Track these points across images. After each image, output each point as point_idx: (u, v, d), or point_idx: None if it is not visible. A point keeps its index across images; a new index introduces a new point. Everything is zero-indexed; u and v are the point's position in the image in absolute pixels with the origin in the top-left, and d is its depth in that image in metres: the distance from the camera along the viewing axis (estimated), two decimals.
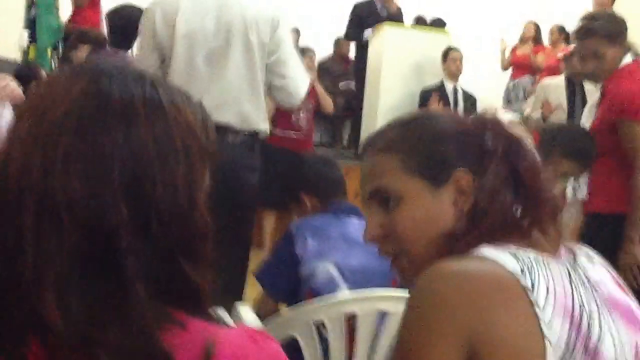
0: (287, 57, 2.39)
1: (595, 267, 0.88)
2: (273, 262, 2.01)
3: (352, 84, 6.67)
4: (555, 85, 5.20)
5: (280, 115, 5.18)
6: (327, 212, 2.03)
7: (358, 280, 1.85)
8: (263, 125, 2.42)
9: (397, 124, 0.96)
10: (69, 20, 5.31)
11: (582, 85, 5.34)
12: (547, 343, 0.75)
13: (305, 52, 5.31)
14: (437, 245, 0.88)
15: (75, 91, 0.63)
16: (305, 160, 2.26)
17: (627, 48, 2.44)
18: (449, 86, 5.37)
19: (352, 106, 6.57)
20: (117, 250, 0.60)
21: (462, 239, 0.85)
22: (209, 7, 2.33)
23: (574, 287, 0.81)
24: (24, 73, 3.61)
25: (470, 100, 5.45)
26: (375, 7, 6.13)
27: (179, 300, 0.64)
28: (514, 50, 6.88)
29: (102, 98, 0.63)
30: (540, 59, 6.42)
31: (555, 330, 0.76)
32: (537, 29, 6.78)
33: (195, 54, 2.32)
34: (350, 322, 1.67)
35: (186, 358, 0.61)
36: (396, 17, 6.09)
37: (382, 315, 1.70)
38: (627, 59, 2.45)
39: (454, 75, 5.34)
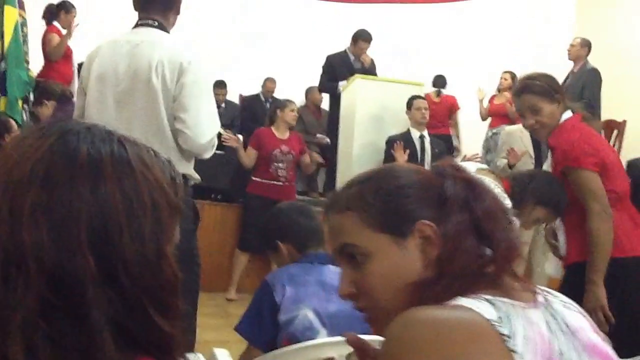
0: (188, 101, 2.37)
1: (572, 313, 0.87)
2: (252, 312, 2.01)
3: (326, 138, 6.74)
4: (520, 132, 5.18)
5: (260, 165, 5.23)
6: (303, 260, 2.05)
7: (337, 325, 1.85)
8: (181, 169, 2.38)
9: (354, 182, 0.97)
10: (41, 74, 5.28)
11: None
12: None
13: (286, 105, 5.34)
14: (408, 294, 0.86)
15: (43, 148, 0.65)
16: (281, 209, 2.26)
17: (566, 106, 2.55)
18: (415, 134, 5.36)
19: (327, 156, 6.59)
20: (83, 300, 0.61)
21: (433, 288, 0.84)
22: (123, 52, 2.39)
23: (552, 333, 0.81)
24: None
25: (438, 147, 5.44)
26: (348, 59, 6.19)
27: (150, 349, 0.65)
28: (491, 99, 6.96)
29: (69, 155, 0.65)
30: (514, 109, 6.44)
31: None
32: (514, 78, 6.85)
33: (106, 96, 2.38)
34: None
35: None
36: (369, 70, 6.14)
37: None
38: (567, 114, 2.52)
39: (420, 123, 5.34)
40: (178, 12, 2.53)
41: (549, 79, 2.58)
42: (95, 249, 0.62)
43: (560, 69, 6.93)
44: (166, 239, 0.68)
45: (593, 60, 7.32)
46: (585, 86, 5.96)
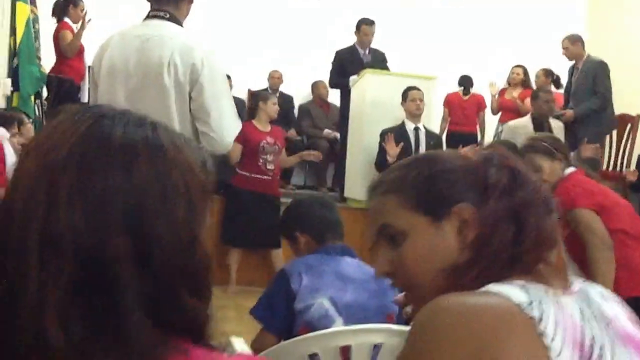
0: (210, 104, 2.30)
1: (609, 303, 0.87)
2: (267, 298, 2.03)
3: (333, 133, 6.69)
4: (523, 126, 5.24)
5: (247, 159, 5.17)
6: (321, 251, 2.07)
7: (352, 315, 1.89)
8: None
9: (397, 166, 1.00)
10: (54, 70, 5.26)
11: (549, 123, 5.39)
12: None
13: (268, 97, 5.30)
14: (444, 278, 0.88)
15: (79, 132, 0.66)
16: (301, 200, 2.31)
17: (569, 163, 2.87)
18: (409, 126, 5.24)
19: (335, 150, 6.55)
20: (117, 280, 0.61)
21: (467, 273, 0.86)
22: (133, 47, 2.31)
23: (585, 320, 0.81)
24: (7, 118, 3.71)
25: (433, 139, 5.34)
26: (357, 53, 6.09)
27: (181, 331, 0.65)
28: (502, 93, 6.87)
29: (104, 140, 0.66)
30: (527, 103, 6.38)
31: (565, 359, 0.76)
32: (525, 72, 6.80)
33: (116, 90, 2.31)
34: (345, 354, 1.67)
35: None
36: (379, 63, 6.04)
37: (377, 348, 1.69)
38: (570, 170, 2.83)
39: (414, 114, 5.20)
40: (192, 1, 2.44)
41: (552, 140, 2.88)
42: (130, 230, 0.63)
43: (567, 66, 6.90)
44: (199, 222, 0.69)
45: (605, 53, 7.23)
46: (596, 79, 5.83)
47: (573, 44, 5.95)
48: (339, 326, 1.86)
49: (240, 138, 5.14)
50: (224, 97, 2.36)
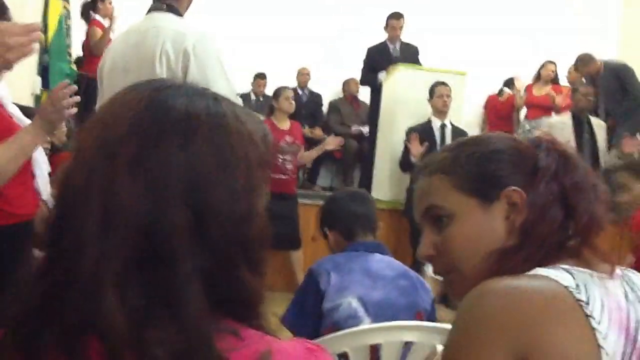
0: (207, 76, 2.23)
1: None
2: (297, 303, 1.97)
3: (361, 128, 6.56)
4: (562, 123, 5.26)
5: None
6: (349, 248, 2.00)
7: (381, 313, 1.84)
8: None
9: (448, 147, 0.98)
10: (83, 69, 5.17)
11: (590, 121, 5.30)
12: (603, 354, 0.74)
13: (280, 92, 5.14)
14: (490, 262, 0.86)
15: (140, 106, 0.65)
16: (334, 196, 2.25)
17: None
18: (436, 123, 5.07)
19: (363, 149, 6.39)
20: (175, 252, 0.61)
21: (514, 257, 0.84)
22: (131, 43, 2.31)
23: (630, 303, 0.81)
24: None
25: (461, 136, 5.19)
26: (387, 49, 5.99)
27: (236, 308, 0.64)
28: (529, 89, 6.66)
29: (165, 110, 0.65)
30: (559, 100, 6.27)
31: (611, 342, 0.76)
32: (555, 68, 6.64)
33: (116, 89, 2.26)
34: (375, 354, 1.64)
35: None
36: (410, 57, 5.91)
37: (407, 346, 1.67)
38: None
39: (441, 111, 5.03)
40: None
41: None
42: (189, 201, 0.62)
43: (603, 57, 6.72)
44: (257, 193, 0.68)
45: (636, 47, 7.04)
46: (625, 82, 5.67)
47: (588, 65, 5.76)
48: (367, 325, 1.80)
49: None
50: (219, 79, 2.28)
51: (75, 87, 1.87)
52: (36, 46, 1.64)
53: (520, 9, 7.48)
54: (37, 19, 4.56)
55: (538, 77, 6.60)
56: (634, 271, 0.90)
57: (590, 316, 0.76)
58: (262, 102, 6.83)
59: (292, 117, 5.41)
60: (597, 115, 5.77)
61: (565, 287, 0.77)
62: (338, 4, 7.04)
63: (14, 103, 2.11)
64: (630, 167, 2.82)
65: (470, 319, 0.78)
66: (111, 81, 2.34)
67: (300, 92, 6.93)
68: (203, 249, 0.62)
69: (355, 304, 1.85)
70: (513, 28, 7.38)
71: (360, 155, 6.50)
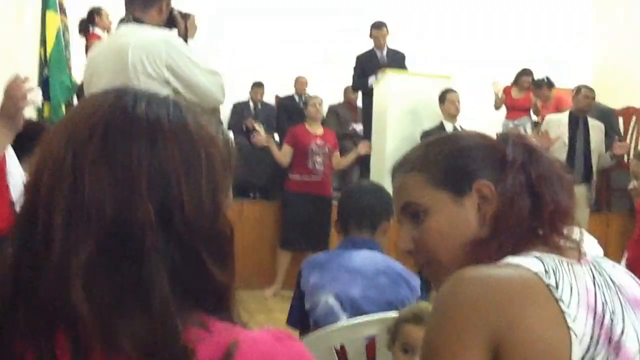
0: (187, 80, 2.30)
1: (619, 272, 0.90)
2: (292, 304, 2.00)
3: (355, 127, 6.65)
4: (558, 121, 5.37)
5: (297, 161, 5.13)
6: (340, 245, 1.98)
7: (359, 309, 1.80)
8: None
9: (420, 145, 1.01)
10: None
11: (587, 120, 5.38)
12: (572, 335, 0.77)
13: (308, 100, 5.27)
14: (464, 253, 0.89)
15: (103, 107, 0.67)
16: (344, 190, 2.25)
17: None
18: (448, 126, 5.26)
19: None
20: (141, 245, 0.61)
21: (487, 246, 0.87)
22: (102, 57, 2.34)
23: (597, 286, 0.84)
24: (32, 129, 3.47)
25: None
26: (375, 55, 6.09)
27: (204, 301, 0.65)
28: (507, 91, 6.78)
29: (128, 112, 0.66)
30: (539, 103, 6.51)
31: (580, 324, 0.78)
32: (530, 78, 6.71)
33: None
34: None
35: (207, 356, 0.60)
36: (397, 63, 6.00)
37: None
38: None
39: (453, 115, 5.30)
40: (161, 11, 2.41)
41: None
42: (154, 197, 0.63)
43: (575, 60, 6.80)
44: (220, 191, 0.68)
45: (610, 47, 7.12)
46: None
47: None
48: (341, 321, 1.78)
49: (290, 140, 5.18)
50: (194, 68, 2.33)
51: (28, 77, 1.86)
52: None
53: (502, 14, 7.54)
54: (35, 33, 4.56)
55: (516, 83, 6.72)
56: (606, 259, 0.93)
57: (559, 300, 0.78)
58: (260, 109, 6.86)
59: (295, 122, 5.49)
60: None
61: (535, 273, 0.80)
62: (336, 8, 7.06)
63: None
64: None
65: (446, 307, 0.80)
66: (90, 90, 2.37)
67: (297, 99, 6.96)
68: (169, 242, 0.63)
69: (331, 301, 1.82)
70: (495, 32, 7.45)
71: (358, 157, 6.56)
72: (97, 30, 5.17)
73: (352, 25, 6.80)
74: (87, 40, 5.20)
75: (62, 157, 0.64)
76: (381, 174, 5.60)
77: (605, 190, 6.17)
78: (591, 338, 0.78)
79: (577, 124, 5.30)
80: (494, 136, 0.99)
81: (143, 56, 2.22)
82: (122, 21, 2.42)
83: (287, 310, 2.03)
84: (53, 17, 4.59)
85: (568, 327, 0.77)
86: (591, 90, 5.53)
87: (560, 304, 0.78)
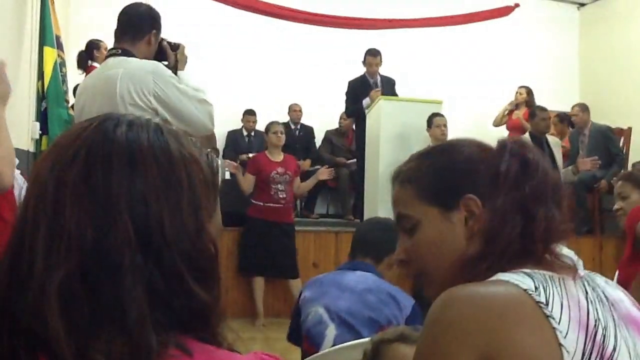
0: (175, 109, 2.31)
1: (612, 288, 0.87)
2: (291, 318, 2.12)
3: (348, 162, 6.67)
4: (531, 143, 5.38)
5: (260, 188, 5.15)
6: (340, 267, 2.14)
7: (344, 322, 1.89)
8: None
9: (416, 155, 1.00)
10: None
11: (547, 140, 5.53)
12: (564, 352, 0.75)
13: (269, 128, 5.29)
14: (454, 267, 0.87)
15: (86, 132, 0.67)
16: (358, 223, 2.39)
17: None
18: None
19: (354, 177, 6.44)
20: (120, 265, 0.61)
21: (480, 264, 0.85)
22: (90, 92, 2.36)
23: (590, 302, 0.81)
24: None
25: None
26: (367, 81, 6.10)
27: (187, 321, 0.63)
28: (510, 114, 6.92)
29: (108, 137, 0.66)
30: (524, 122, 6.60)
31: (571, 341, 0.76)
32: (529, 92, 6.86)
33: None
34: None
35: None
36: (389, 90, 6.02)
37: None
38: None
39: (439, 139, 5.28)
40: (150, 43, 2.43)
41: None
42: (134, 219, 0.63)
43: (565, 80, 6.82)
44: (203, 211, 0.68)
45: (596, 69, 7.15)
46: (608, 144, 6.19)
47: (583, 112, 6.30)
48: (332, 331, 1.88)
49: (252, 169, 5.21)
50: (182, 97, 2.34)
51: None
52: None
53: (491, 40, 7.60)
54: (32, 69, 4.57)
55: (516, 102, 6.90)
56: (599, 275, 0.90)
57: (550, 316, 0.77)
58: (253, 137, 6.87)
59: (286, 151, 5.50)
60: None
61: (525, 290, 0.78)
62: (329, 38, 7.09)
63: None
64: (630, 178, 2.94)
65: (436, 328, 0.79)
66: (82, 120, 2.40)
67: (292, 126, 6.95)
68: (147, 263, 0.62)
69: (321, 311, 1.91)
70: (485, 57, 7.51)
71: (353, 183, 6.55)
72: (96, 65, 5.16)
73: (345, 50, 6.81)
74: (86, 73, 5.19)
75: (45, 182, 0.64)
76: (374, 197, 5.59)
77: (598, 213, 6.15)
78: (583, 354, 0.76)
79: (541, 145, 5.42)
80: (495, 143, 0.96)
81: (130, 87, 2.23)
82: (111, 53, 2.43)
83: (268, 341, 2.18)
84: (50, 53, 4.62)
85: (559, 344, 0.75)
86: (545, 111, 5.75)
87: (551, 320, 0.76)
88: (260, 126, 6.60)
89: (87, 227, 0.62)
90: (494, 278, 0.82)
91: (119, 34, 2.42)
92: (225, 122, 6.22)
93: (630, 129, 6.72)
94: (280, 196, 5.11)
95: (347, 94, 6.14)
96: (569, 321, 0.77)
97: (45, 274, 0.60)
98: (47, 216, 0.63)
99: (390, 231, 1.98)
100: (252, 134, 6.89)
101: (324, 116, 7.08)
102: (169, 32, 2.55)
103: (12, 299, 0.61)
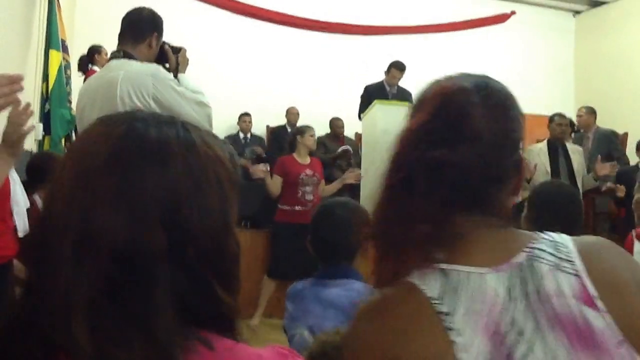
0: (174, 109, 2.30)
1: (557, 277, 0.77)
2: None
3: (345, 147, 6.71)
4: (538, 149, 5.44)
5: (286, 192, 5.08)
6: (316, 275, 1.90)
7: None
8: None
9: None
10: None
11: (565, 146, 5.45)
12: None
13: (305, 130, 5.26)
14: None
15: (114, 136, 0.65)
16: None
17: None
18: None
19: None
20: (151, 275, 0.60)
21: (385, 266, 0.86)
22: (92, 92, 2.38)
23: (511, 300, 0.76)
24: (44, 160, 3.49)
25: None
26: (384, 88, 6.20)
27: (210, 322, 0.64)
28: None
29: (139, 140, 0.65)
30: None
31: (472, 353, 0.73)
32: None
33: None
34: None
35: None
36: (403, 97, 6.08)
37: None
38: None
39: None
40: (151, 46, 2.47)
41: None
42: (167, 225, 0.62)
43: (561, 86, 6.83)
44: (230, 213, 0.68)
45: (592, 78, 7.18)
46: (611, 148, 6.16)
47: (589, 115, 6.29)
48: None
49: (280, 171, 5.11)
50: (180, 99, 2.36)
51: (29, 104, 1.88)
52: (19, 97, 1.66)
53: (490, 47, 7.64)
54: (38, 70, 4.62)
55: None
56: (557, 254, 0.80)
57: (449, 329, 0.75)
58: (249, 140, 6.91)
59: (280, 153, 5.50)
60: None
61: (429, 298, 0.77)
62: (327, 43, 7.14)
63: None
64: None
65: (347, 345, 0.86)
66: (82, 122, 2.43)
67: (289, 129, 7.00)
68: (178, 269, 0.62)
69: (306, 335, 1.79)
70: (483, 67, 7.53)
71: (347, 185, 6.55)
72: (96, 68, 5.21)
73: (339, 58, 6.86)
74: (85, 77, 5.25)
75: (73, 189, 0.63)
76: (370, 201, 5.57)
77: (592, 215, 6.18)
78: None
79: (556, 151, 5.37)
80: None
81: (130, 89, 2.27)
82: (113, 56, 2.48)
83: (273, 338, 2.03)
84: (56, 55, 4.67)
85: (456, 358, 0.73)
86: (564, 117, 5.61)
87: (452, 333, 0.74)
88: (255, 129, 6.64)
89: (120, 235, 0.60)
90: (407, 279, 0.80)
91: (121, 36, 2.48)
92: (223, 126, 6.26)
93: (626, 134, 6.76)
94: (307, 198, 5.03)
95: (362, 97, 6.19)
96: (474, 330, 0.75)
97: (72, 285, 0.59)
98: (76, 224, 0.61)
99: (351, 228, 1.84)
100: (248, 135, 6.93)
101: (321, 118, 7.11)
102: (167, 37, 2.60)
103: (31, 307, 0.61)
